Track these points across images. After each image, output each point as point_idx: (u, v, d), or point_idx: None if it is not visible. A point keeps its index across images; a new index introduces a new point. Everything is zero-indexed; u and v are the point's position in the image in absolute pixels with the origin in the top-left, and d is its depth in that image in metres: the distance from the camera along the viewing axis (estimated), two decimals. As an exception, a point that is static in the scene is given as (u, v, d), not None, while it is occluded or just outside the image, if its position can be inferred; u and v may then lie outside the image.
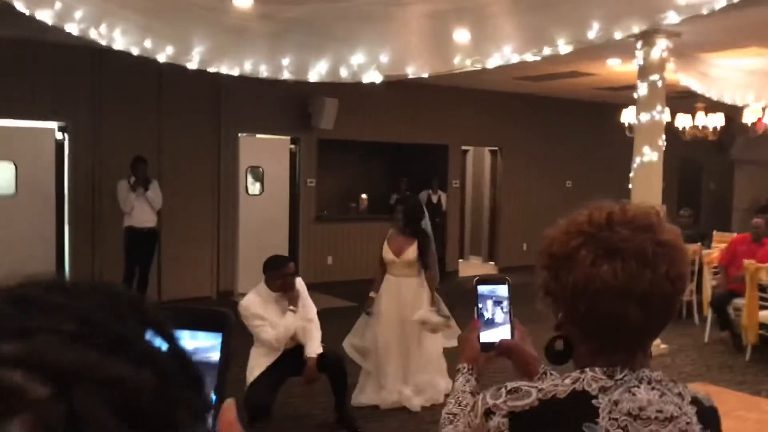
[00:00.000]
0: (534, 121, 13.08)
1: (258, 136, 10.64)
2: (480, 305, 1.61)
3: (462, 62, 5.25)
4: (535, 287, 1.31)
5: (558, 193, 13.40)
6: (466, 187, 13.99)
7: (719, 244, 9.21)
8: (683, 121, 10.35)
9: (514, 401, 1.24)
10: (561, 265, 1.25)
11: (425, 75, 5.78)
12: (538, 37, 4.76)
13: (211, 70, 5.84)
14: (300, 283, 5.07)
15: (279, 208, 10.73)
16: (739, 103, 9.18)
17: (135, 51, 5.39)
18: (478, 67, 5.34)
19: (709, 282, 8.18)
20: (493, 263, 13.44)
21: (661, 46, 7.11)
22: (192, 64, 5.59)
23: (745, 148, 14.83)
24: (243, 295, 6.13)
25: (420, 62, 5.44)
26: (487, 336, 1.60)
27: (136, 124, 9.32)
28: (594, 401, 1.21)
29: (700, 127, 10.28)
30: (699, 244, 8.93)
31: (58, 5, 4.56)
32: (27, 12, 4.64)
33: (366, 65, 5.46)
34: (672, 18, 4.22)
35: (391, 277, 5.67)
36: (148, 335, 0.48)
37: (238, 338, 5.38)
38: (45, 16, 4.66)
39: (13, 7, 4.59)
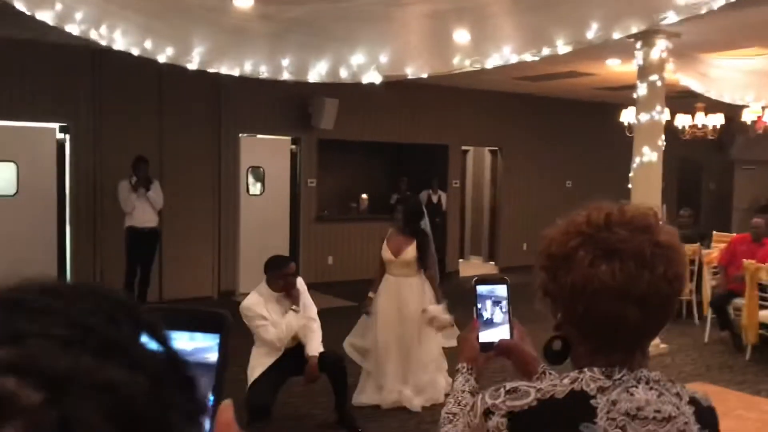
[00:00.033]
0: (534, 121, 13.09)
1: (258, 136, 10.65)
2: (479, 305, 1.61)
3: (461, 63, 5.25)
4: (534, 287, 1.32)
5: (558, 193, 13.40)
6: (466, 187, 13.99)
7: (719, 244, 9.21)
8: (683, 120, 10.37)
9: (512, 401, 1.24)
10: (559, 266, 1.26)
11: (425, 75, 5.78)
12: (537, 38, 4.77)
13: (211, 70, 5.84)
14: (300, 282, 5.08)
15: (280, 208, 10.74)
16: (739, 103, 9.18)
17: (135, 51, 5.40)
18: (478, 67, 5.34)
19: (708, 282, 8.19)
20: (493, 263, 13.44)
21: (660, 47, 7.11)
22: (192, 65, 5.60)
23: (744, 147, 14.84)
24: (244, 294, 6.13)
25: (419, 62, 5.44)
26: (487, 336, 1.60)
27: (137, 124, 9.32)
28: (592, 401, 1.21)
29: (700, 127, 10.29)
30: (698, 244, 8.93)
31: (58, 6, 4.56)
32: (27, 12, 4.64)
33: (366, 65, 5.46)
34: (671, 18, 4.22)
35: (390, 276, 5.68)
36: (142, 339, 0.47)
37: (238, 338, 5.38)
38: (45, 16, 4.67)
39: (14, 8, 4.59)
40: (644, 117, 7.22)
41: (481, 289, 1.62)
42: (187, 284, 9.76)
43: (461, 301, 5.45)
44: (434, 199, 12.14)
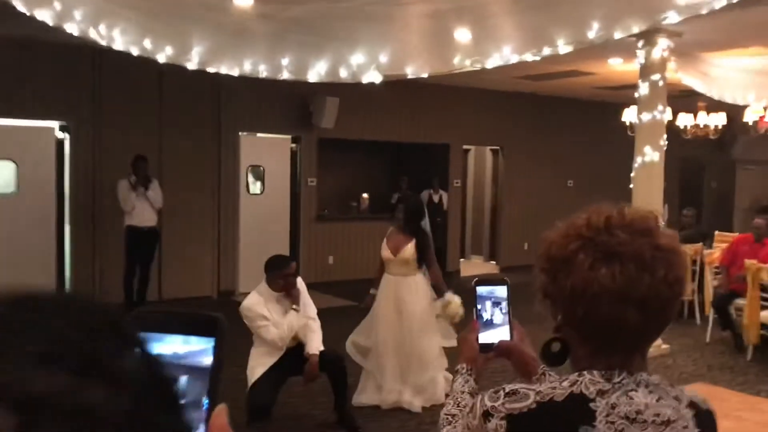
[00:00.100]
0: (535, 120, 13.08)
1: (259, 135, 10.64)
2: (479, 306, 1.62)
3: (461, 62, 5.24)
4: (534, 289, 1.32)
5: (559, 193, 13.40)
6: (468, 186, 13.99)
7: (720, 244, 9.20)
8: (685, 120, 10.36)
9: (511, 403, 1.24)
10: (559, 268, 1.26)
11: (425, 75, 5.77)
12: (537, 38, 4.76)
13: (211, 70, 5.83)
14: (300, 282, 5.07)
15: (280, 208, 10.73)
16: (740, 103, 9.17)
17: (135, 51, 5.40)
18: (478, 67, 5.33)
19: (710, 282, 8.18)
20: (494, 262, 13.44)
21: (662, 46, 7.10)
22: (191, 64, 5.59)
23: (746, 147, 14.82)
24: (244, 294, 6.13)
25: (420, 62, 5.44)
26: (486, 337, 1.60)
27: (137, 122, 9.32)
28: (591, 404, 1.21)
29: (702, 126, 10.28)
30: (700, 244, 8.92)
31: (57, 5, 4.56)
32: (27, 12, 4.64)
33: (366, 65, 5.45)
34: (672, 18, 4.21)
35: (388, 275, 5.68)
36: (125, 353, 0.45)
37: (237, 338, 5.38)
38: (44, 15, 4.66)
39: (14, 7, 4.59)
40: (646, 116, 7.20)
41: (481, 290, 1.62)
42: (187, 284, 9.76)
43: (461, 301, 5.46)
44: (435, 198, 12.14)
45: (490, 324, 1.61)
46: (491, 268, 13.23)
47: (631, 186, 7.38)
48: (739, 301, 7.47)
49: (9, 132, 8.68)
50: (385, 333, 5.59)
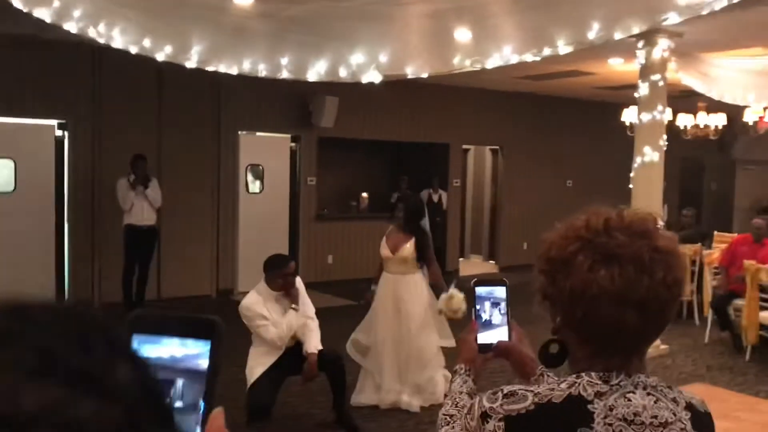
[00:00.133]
0: (535, 120, 13.08)
1: (258, 134, 10.64)
2: (478, 307, 1.62)
3: (461, 63, 5.23)
4: (533, 290, 1.32)
5: (559, 193, 13.40)
6: (467, 186, 13.99)
7: (720, 245, 9.20)
8: (685, 120, 10.36)
9: (510, 405, 1.24)
10: (558, 270, 1.26)
11: (425, 75, 5.77)
12: (538, 38, 4.75)
13: (210, 69, 5.83)
14: (298, 282, 5.07)
15: (279, 207, 10.73)
16: (740, 104, 9.17)
17: (134, 50, 5.39)
18: (478, 67, 5.32)
19: (709, 282, 8.17)
20: (493, 262, 13.45)
21: (662, 46, 7.09)
22: (190, 63, 5.58)
23: (746, 148, 14.83)
24: (242, 293, 6.12)
25: (419, 62, 5.43)
26: (485, 337, 1.61)
27: (136, 121, 9.31)
28: (589, 406, 1.21)
29: (702, 127, 10.28)
30: (699, 244, 8.92)
31: (56, 3, 4.55)
32: (25, 10, 4.63)
33: (365, 65, 5.45)
34: (673, 19, 4.21)
35: (387, 274, 5.68)
36: (117, 365, 0.45)
37: (237, 338, 5.37)
38: (43, 13, 4.65)
39: (12, 5, 4.58)
40: (646, 117, 7.20)
41: (480, 290, 1.63)
42: (186, 282, 9.75)
43: (464, 296, 5.45)
44: (435, 198, 12.14)
45: (488, 324, 1.62)
46: (490, 267, 13.23)
47: (631, 186, 7.37)
48: (738, 302, 7.47)
49: (8, 130, 8.67)
50: (384, 332, 5.59)
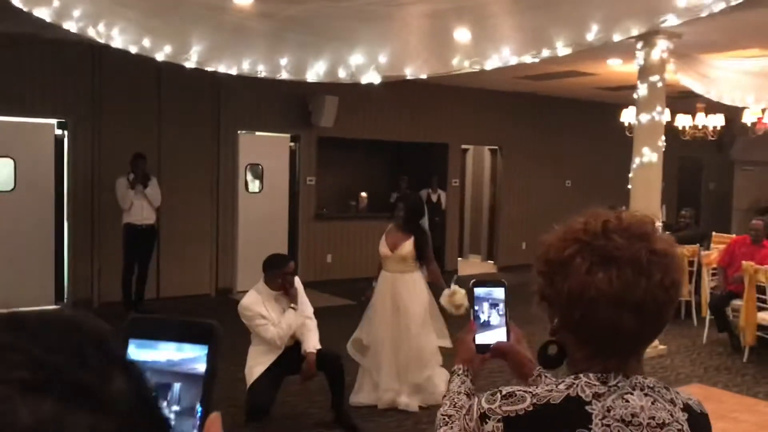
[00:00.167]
0: (534, 120, 13.09)
1: (258, 133, 10.63)
2: (476, 307, 1.63)
3: (461, 64, 5.23)
4: (531, 292, 1.33)
5: (557, 193, 13.41)
6: (466, 186, 13.99)
7: (718, 245, 9.21)
8: (683, 121, 10.37)
9: (508, 406, 1.25)
10: (557, 272, 1.27)
11: (424, 76, 5.76)
12: (537, 39, 4.75)
13: (209, 69, 5.83)
14: (297, 281, 5.07)
15: (278, 206, 10.73)
16: (739, 105, 9.18)
17: (133, 49, 5.39)
18: (477, 68, 5.32)
19: (707, 283, 8.18)
20: (492, 262, 13.45)
21: (661, 47, 7.10)
22: (190, 63, 5.58)
23: (745, 148, 14.85)
24: (242, 292, 6.12)
25: (419, 63, 5.43)
26: (483, 338, 1.61)
27: (136, 120, 9.31)
28: (587, 407, 1.22)
29: (700, 127, 10.30)
30: (698, 245, 8.92)
31: (56, 3, 4.55)
32: (25, 9, 4.63)
33: (364, 66, 5.45)
34: (671, 21, 4.21)
35: (385, 273, 5.67)
36: (112, 376, 0.44)
37: (236, 337, 5.38)
38: (43, 13, 4.65)
39: (12, 4, 4.58)
40: (645, 117, 7.21)
41: (479, 291, 1.63)
42: (185, 282, 9.76)
43: (465, 292, 5.45)
44: (434, 198, 12.14)
45: (487, 325, 1.62)
46: (489, 267, 13.24)
47: (630, 186, 7.38)
48: (736, 303, 7.48)
49: (8, 129, 8.67)
50: (382, 331, 5.58)
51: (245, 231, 10.26)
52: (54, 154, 8.98)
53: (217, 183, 10.08)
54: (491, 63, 5.12)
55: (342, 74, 5.65)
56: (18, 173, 8.72)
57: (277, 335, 4.86)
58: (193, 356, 0.62)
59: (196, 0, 4.76)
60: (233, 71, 5.82)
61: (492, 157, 13.87)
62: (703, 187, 16.39)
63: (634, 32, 4.68)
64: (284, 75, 5.75)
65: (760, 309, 7.14)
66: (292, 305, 4.95)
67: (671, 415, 1.24)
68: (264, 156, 10.61)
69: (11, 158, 8.69)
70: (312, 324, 5.06)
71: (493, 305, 1.63)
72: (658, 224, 1.29)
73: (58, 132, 9.04)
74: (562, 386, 1.25)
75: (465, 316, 4.89)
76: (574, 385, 1.24)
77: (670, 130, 8.15)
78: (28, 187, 8.75)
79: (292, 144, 10.93)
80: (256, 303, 4.87)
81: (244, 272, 9.96)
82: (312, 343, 4.99)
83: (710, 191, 16.43)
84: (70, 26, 4.91)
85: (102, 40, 5.29)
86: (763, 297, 7.06)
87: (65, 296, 9.05)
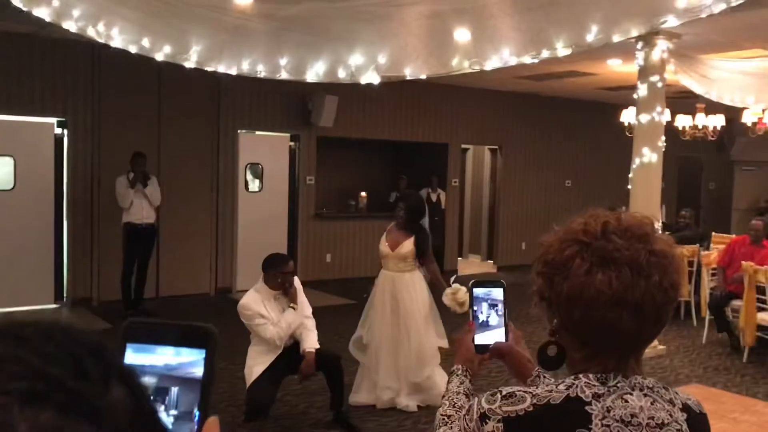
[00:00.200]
0: (534, 120, 13.10)
1: (257, 132, 10.64)
2: (475, 307, 1.63)
3: (460, 64, 5.23)
4: (530, 292, 1.33)
5: (557, 193, 13.42)
6: (466, 185, 13.99)
7: (718, 245, 9.21)
8: (683, 121, 10.37)
9: (508, 406, 1.25)
10: (556, 273, 1.27)
11: (423, 76, 5.76)
12: (536, 40, 4.75)
13: (209, 69, 5.82)
14: (296, 281, 5.07)
15: (278, 206, 10.73)
16: (739, 105, 9.18)
17: (133, 49, 5.38)
18: (477, 69, 5.32)
19: (707, 283, 8.18)
20: (491, 262, 13.45)
21: (661, 47, 7.10)
22: (189, 63, 5.57)
23: (745, 149, 14.86)
24: (241, 291, 6.12)
25: (418, 63, 5.42)
26: (482, 338, 1.62)
27: (136, 119, 9.31)
28: (587, 408, 1.22)
29: (700, 128, 10.30)
30: (697, 245, 8.92)
31: (56, 3, 4.55)
32: (25, 9, 4.63)
33: (364, 66, 5.45)
34: (671, 22, 4.21)
35: (385, 271, 5.67)
36: (109, 386, 0.44)
37: (235, 336, 5.38)
38: (42, 13, 4.65)
39: (11, 2, 4.58)
40: (644, 117, 7.21)
41: (478, 291, 1.64)
42: (185, 281, 9.76)
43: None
44: (433, 197, 12.14)
45: (485, 325, 1.63)
46: (489, 267, 13.24)
47: (629, 187, 7.38)
48: (736, 303, 7.47)
49: (7, 127, 8.67)
50: (381, 329, 5.57)
51: (245, 230, 10.27)
52: (54, 152, 8.97)
53: (216, 182, 10.08)
54: (491, 64, 5.12)
55: (341, 74, 5.64)
56: (18, 172, 8.72)
57: (276, 335, 4.86)
58: (190, 360, 0.62)
59: (196, 0, 4.76)
60: (233, 71, 5.81)
61: (492, 156, 13.87)
62: (703, 187, 16.40)
63: (634, 33, 4.67)
64: (284, 75, 5.74)
65: (760, 309, 7.14)
66: (292, 305, 4.96)
67: (670, 415, 1.25)
68: (264, 155, 10.61)
69: (11, 157, 8.69)
70: (311, 324, 5.07)
71: (492, 305, 1.64)
72: (658, 225, 1.29)
73: (58, 131, 9.04)
74: (561, 387, 1.25)
75: (467, 314, 4.89)
76: (574, 386, 1.25)
77: (670, 130, 8.15)
78: (27, 185, 8.75)
79: (291, 143, 10.93)
80: (256, 302, 4.87)
81: (243, 271, 9.97)
82: (311, 342, 4.99)
83: (710, 191, 16.44)
84: (70, 26, 4.91)
85: (101, 40, 5.28)
86: (763, 297, 7.06)
87: (64, 295, 9.05)
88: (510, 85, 11.59)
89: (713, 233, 10.18)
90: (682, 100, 9.75)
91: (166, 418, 0.61)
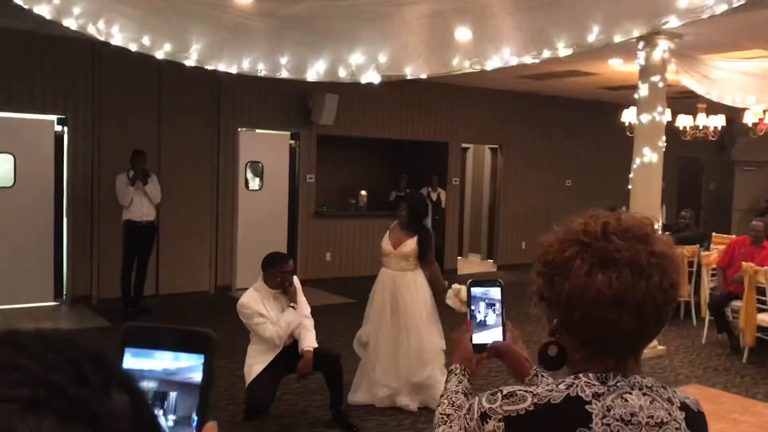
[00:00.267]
0: (535, 119, 13.09)
1: (258, 131, 10.64)
2: (473, 307, 1.64)
3: (461, 64, 5.22)
4: (530, 292, 1.33)
5: (558, 192, 13.42)
6: (466, 184, 13.99)
7: (718, 246, 9.21)
8: (684, 121, 10.37)
9: (509, 406, 1.26)
10: (556, 273, 1.28)
11: (424, 76, 5.75)
12: (537, 40, 4.74)
13: (209, 68, 5.82)
14: (295, 280, 5.07)
15: (278, 204, 10.73)
16: (740, 106, 9.18)
17: (133, 47, 5.37)
18: (477, 69, 5.31)
19: (707, 284, 8.18)
20: (491, 261, 13.45)
21: (662, 47, 7.10)
22: (190, 62, 5.57)
23: (745, 149, 14.85)
24: (241, 290, 6.12)
25: (419, 63, 5.42)
26: (480, 337, 1.62)
27: (136, 117, 9.31)
28: (587, 407, 1.23)
29: (701, 128, 10.30)
30: (698, 245, 8.92)
31: (56, 0, 4.54)
32: (25, 7, 4.62)
33: (364, 65, 5.44)
34: (673, 23, 4.20)
35: (386, 270, 5.65)
36: (110, 393, 0.44)
37: (235, 335, 5.38)
38: (43, 10, 4.64)
39: (12, 0, 4.58)
40: (645, 117, 7.21)
41: (475, 291, 1.64)
42: (184, 279, 9.76)
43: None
44: (434, 196, 12.14)
45: (483, 325, 1.63)
46: (489, 266, 13.24)
47: (630, 187, 7.38)
48: (736, 303, 7.47)
49: (7, 125, 8.67)
50: (380, 327, 5.57)
51: (245, 228, 10.27)
52: (54, 150, 8.97)
53: (217, 180, 10.08)
54: (492, 63, 5.11)
55: (342, 74, 5.64)
56: (18, 169, 8.72)
57: (275, 334, 4.85)
58: (189, 365, 0.62)
59: (198, -1, 4.76)
60: (233, 70, 5.81)
61: (492, 156, 13.87)
62: (703, 187, 16.40)
63: (636, 33, 4.67)
64: (284, 74, 5.73)
65: (760, 310, 7.14)
66: (292, 304, 4.95)
67: (669, 413, 1.25)
68: (264, 153, 10.61)
69: (11, 154, 8.69)
70: (309, 323, 5.06)
71: (490, 305, 1.64)
72: (658, 225, 1.29)
73: (58, 128, 9.04)
74: (562, 386, 1.26)
75: (458, 320, 4.88)
76: (574, 385, 1.25)
77: (670, 130, 8.15)
78: (27, 183, 8.75)
79: (292, 142, 10.93)
80: (255, 301, 4.87)
81: (243, 270, 9.97)
82: (309, 341, 4.99)
83: (710, 192, 16.44)
84: (70, 24, 4.90)
85: (102, 38, 5.28)
86: (763, 298, 7.06)
87: (64, 292, 9.05)
88: (511, 84, 11.59)
89: (713, 234, 10.18)
90: (683, 100, 9.75)
91: (165, 422, 0.61)
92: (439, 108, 11.99)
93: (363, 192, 12.04)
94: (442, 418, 1.52)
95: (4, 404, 0.39)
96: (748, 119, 10.11)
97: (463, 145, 13.08)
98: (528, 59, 4.97)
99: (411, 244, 5.54)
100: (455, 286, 5.27)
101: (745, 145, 14.67)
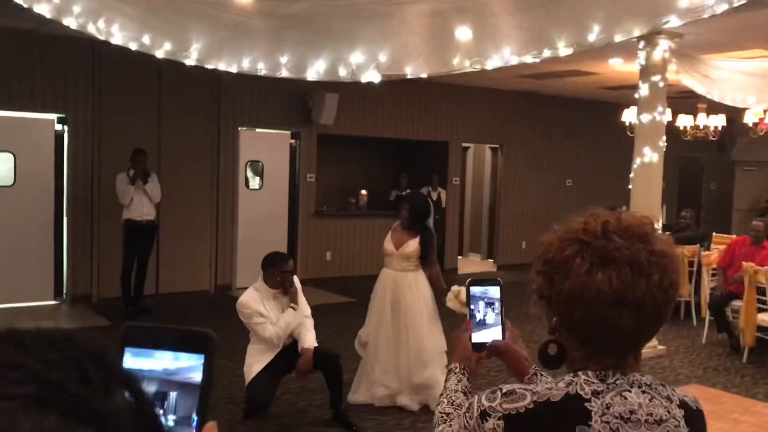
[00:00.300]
0: (535, 119, 13.09)
1: (258, 130, 10.64)
2: (472, 306, 1.64)
3: (461, 63, 5.22)
4: (530, 291, 1.33)
5: (558, 192, 13.42)
6: (466, 184, 13.99)
7: (719, 246, 9.21)
8: (684, 121, 10.37)
9: (509, 404, 1.26)
10: (556, 272, 1.28)
11: (424, 75, 5.75)
12: (537, 39, 4.74)
13: (209, 67, 5.81)
14: (295, 280, 5.07)
15: (278, 203, 10.73)
16: (741, 106, 9.18)
17: (133, 46, 5.37)
18: (478, 68, 5.31)
19: (707, 284, 8.18)
20: (492, 261, 13.45)
21: (663, 47, 7.10)
22: (190, 61, 5.56)
23: (746, 149, 14.85)
24: (241, 289, 6.12)
25: (419, 62, 5.42)
26: (479, 336, 1.63)
27: (136, 116, 9.31)
28: (587, 404, 1.23)
29: (701, 128, 10.30)
30: (698, 245, 8.91)
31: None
32: (25, 5, 4.62)
33: (365, 65, 5.44)
34: (674, 22, 4.20)
35: (387, 270, 5.65)
36: (112, 391, 0.45)
37: (235, 334, 5.38)
38: (43, 9, 4.64)
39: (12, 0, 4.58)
40: (646, 117, 7.21)
41: (475, 290, 1.64)
42: (184, 278, 9.76)
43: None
44: (434, 196, 12.14)
45: (482, 324, 1.63)
46: (489, 266, 13.24)
47: (630, 186, 7.38)
48: (736, 303, 7.47)
49: (7, 124, 8.67)
50: (380, 327, 5.56)
51: (245, 228, 10.27)
52: (54, 149, 8.97)
53: (217, 179, 10.08)
54: (492, 63, 5.11)
55: (342, 73, 5.64)
56: (18, 168, 8.72)
57: (275, 334, 4.85)
58: (189, 365, 0.62)
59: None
60: (233, 69, 5.80)
61: (493, 155, 13.87)
62: (703, 187, 16.40)
63: (636, 33, 4.66)
64: (284, 73, 5.73)
65: (760, 310, 7.14)
66: (293, 305, 4.95)
67: (668, 411, 1.26)
68: (264, 153, 10.61)
69: (11, 153, 8.69)
70: (309, 323, 5.06)
71: (489, 304, 1.64)
72: (658, 225, 1.29)
73: (58, 127, 9.04)
74: (561, 384, 1.27)
75: (457, 320, 4.87)
76: (574, 383, 1.26)
77: (671, 130, 8.15)
78: (27, 182, 8.75)
79: (292, 141, 10.93)
80: (255, 301, 4.86)
81: (243, 269, 9.97)
82: (309, 340, 4.99)
83: (711, 191, 16.44)
84: (70, 23, 4.90)
85: (102, 37, 5.28)
86: (763, 298, 7.06)
87: (64, 291, 9.06)
88: (511, 83, 11.59)
89: (714, 233, 10.18)
90: (684, 100, 9.75)
91: (166, 423, 0.61)
92: (439, 107, 11.99)
93: (363, 191, 12.04)
94: (442, 416, 1.52)
95: (5, 402, 0.39)
96: (749, 119, 10.11)
97: (464, 144, 13.08)
98: (528, 59, 4.97)
99: (413, 245, 5.53)
100: (455, 287, 5.27)
101: (745, 145, 14.66)
